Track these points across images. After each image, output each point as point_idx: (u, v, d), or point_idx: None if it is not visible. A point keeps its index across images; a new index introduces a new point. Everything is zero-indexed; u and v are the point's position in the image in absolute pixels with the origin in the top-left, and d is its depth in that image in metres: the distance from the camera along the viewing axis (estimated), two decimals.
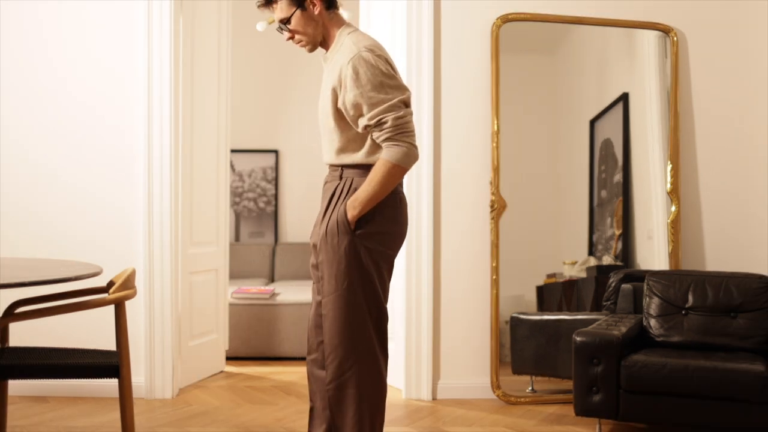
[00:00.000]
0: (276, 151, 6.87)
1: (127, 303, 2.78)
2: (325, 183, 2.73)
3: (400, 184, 2.65)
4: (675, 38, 4.20)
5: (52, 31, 4.12)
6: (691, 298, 3.63)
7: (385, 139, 2.50)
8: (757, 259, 4.19)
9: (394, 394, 4.25)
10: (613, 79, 4.34)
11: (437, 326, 4.15)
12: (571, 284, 4.21)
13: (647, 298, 3.71)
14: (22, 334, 3.84)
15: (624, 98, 4.26)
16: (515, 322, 4.12)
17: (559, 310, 4.22)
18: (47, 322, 3.76)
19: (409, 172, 4.11)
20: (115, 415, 3.73)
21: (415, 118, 4.14)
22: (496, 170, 4.09)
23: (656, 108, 4.26)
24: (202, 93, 4.51)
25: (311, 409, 2.75)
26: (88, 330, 4.04)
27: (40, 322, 3.75)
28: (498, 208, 4.10)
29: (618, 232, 4.25)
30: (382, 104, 2.48)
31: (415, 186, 4.14)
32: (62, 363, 2.67)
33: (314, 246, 2.68)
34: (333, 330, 2.58)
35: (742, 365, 3.18)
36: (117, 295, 2.67)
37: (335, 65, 2.59)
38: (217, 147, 4.70)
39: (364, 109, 2.50)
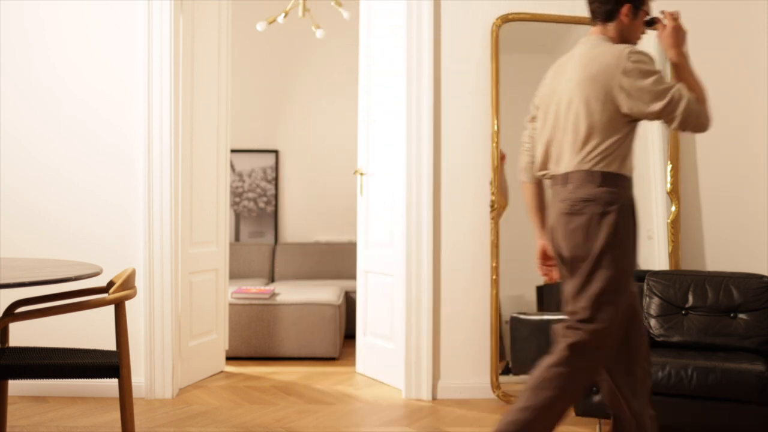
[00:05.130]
0: (276, 151, 6.88)
1: (127, 303, 2.78)
2: None
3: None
4: None
5: (52, 31, 4.13)
6: (691, 298, 3.63)
7: None
8: (757, 259, 4.19)
9: (393, 394, 4.25)
10: None
11: (437, 326, 4.16)
12: None
13: (647, 298, 3.71)
14: (23, 334, 3.85)
15: None
16: (515, 322, 4.11)
17: (559, 310, 4.21)
18: (47, 322, 3.77)
19: (409, 172, 4.14)
20: (115, 415, 3.73)
21: (414, 119, 4.15)
22: (496, 170, 4.09)
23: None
24: (202, 93, 4.51)
25: None
26: (88, 330, 4.04)
27: (41, 322, 3.77)
28: (498, 208, 4.10)
29: None
30: None
31: (415, 186, 4.14)
32: (62, 363, 2.67)
33: None
34: None
35: (742, 365, 3.18)
36: (117, 295, 2.67)
37: None
38: (217, 147, 4.70)
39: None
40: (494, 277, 4.08)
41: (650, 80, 2.50)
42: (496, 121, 4.09)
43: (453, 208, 4.18)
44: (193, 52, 4.39)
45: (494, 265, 4.09)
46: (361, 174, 4.74)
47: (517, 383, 4.14)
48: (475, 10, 4.16)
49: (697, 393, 3.18)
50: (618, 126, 2.56)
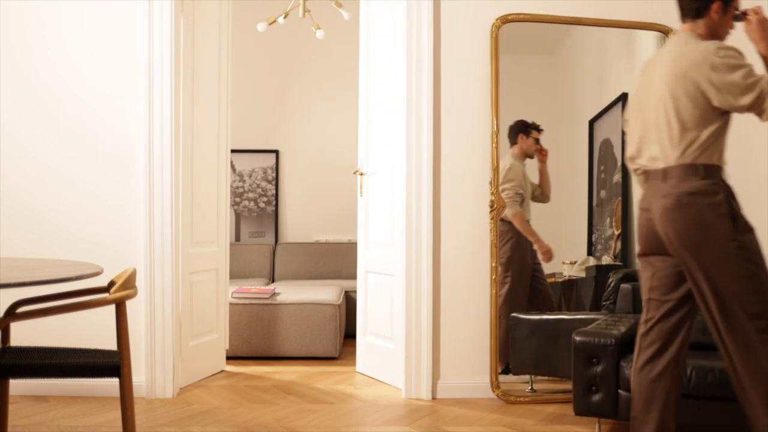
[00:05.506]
0: (276, 151, 6.88)
1: (128, 303, 2.79)
2: None
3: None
4: None
5: (53, 31, 4.13)
6: None
7: None
8: None
9: (393, 393, 4.26)
10: (612, 79, 4.35)
11: (437, 326, 4.16)
12: (571, 284, 4.22)
13: None
14: (23, 334, 3.86)
15: (623, 98, 4.27)
16: (515, 322, 4.12)
17: (559, 309, 4.22)
18: (48, 322, 3.78)
19: (409, 172, 4.14)
20: (116, 414, 3.74)
21: (414, 119, 4.16)
22: (496, 170, 4.10)
23: None
24: (203, 93, 4.52)
25: None
26: (88, 330, 4.05)
27: (41, 322, 3.78)
28: (498, 208, 4.11)
29: (617, 232, 4.26)
30: None
31: (415, 186, 4.15)
32: (63, 362, 2.67)
33: None
34: None
35: None
36: (118, 295, 2.67)
37: None
38: (217, 147, 4.70)
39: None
40: (494, 276, 4.09)
41: (739, 74, 2.52)
42: (496, 121, 4.09)
43: (453, 208, 4.19)
44: (193, 53, 4.39)
45: (494, 265, 4.09)
46: (361, 174, 4.75)
47: (517, 382, 4.15)
48: (474, 10, 4.17)
49: (697, 393, 3.18)
50: (711, 118, 2.59)
